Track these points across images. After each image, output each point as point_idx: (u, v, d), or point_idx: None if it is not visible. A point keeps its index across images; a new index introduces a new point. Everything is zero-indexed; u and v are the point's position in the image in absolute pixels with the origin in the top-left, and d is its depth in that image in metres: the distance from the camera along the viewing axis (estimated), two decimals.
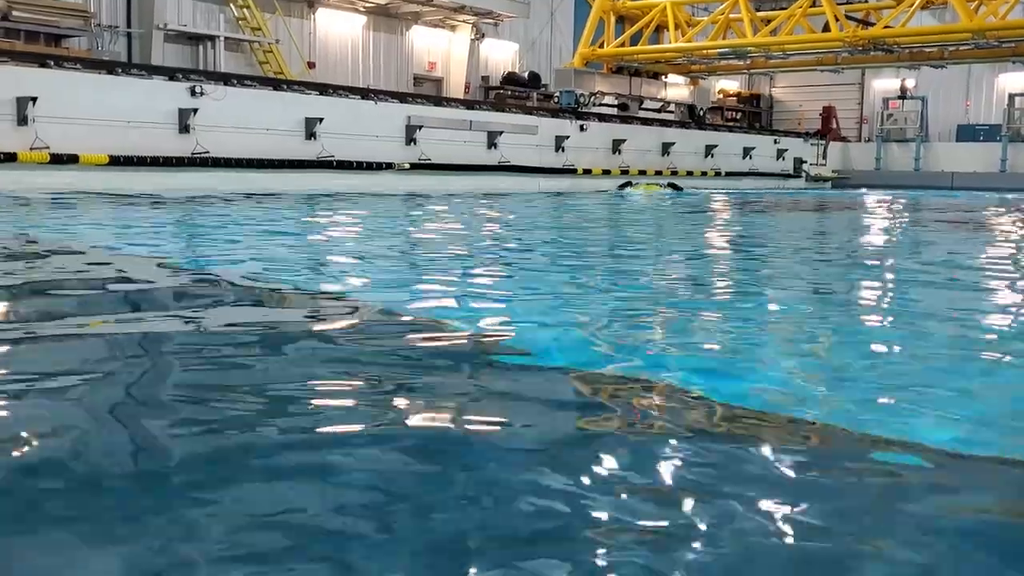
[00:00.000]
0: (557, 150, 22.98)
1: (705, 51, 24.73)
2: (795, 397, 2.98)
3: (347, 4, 24.45)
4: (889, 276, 7.08)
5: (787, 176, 31.20)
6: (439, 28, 27.24)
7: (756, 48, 23.85)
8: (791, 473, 2.21)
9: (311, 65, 23.66)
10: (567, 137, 23.10)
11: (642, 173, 24.99)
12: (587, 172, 23.47)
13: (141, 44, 20.14)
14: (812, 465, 2.31)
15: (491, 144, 21.32)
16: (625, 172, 24.45)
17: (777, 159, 30.93)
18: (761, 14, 24.83)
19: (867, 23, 23.12)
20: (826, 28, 22.86)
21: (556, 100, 25.57)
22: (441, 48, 27.66)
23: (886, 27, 21.92)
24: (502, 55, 29.45)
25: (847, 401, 2.94)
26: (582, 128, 23.72)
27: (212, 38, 21.27)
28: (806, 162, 32.08)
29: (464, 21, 27.03)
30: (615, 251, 8.76)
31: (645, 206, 17.31)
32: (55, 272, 5.75)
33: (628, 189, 22.23)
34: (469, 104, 22.67)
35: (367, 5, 24.79)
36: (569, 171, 23.04)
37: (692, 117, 28.80)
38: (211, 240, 8.24)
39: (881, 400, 2.97)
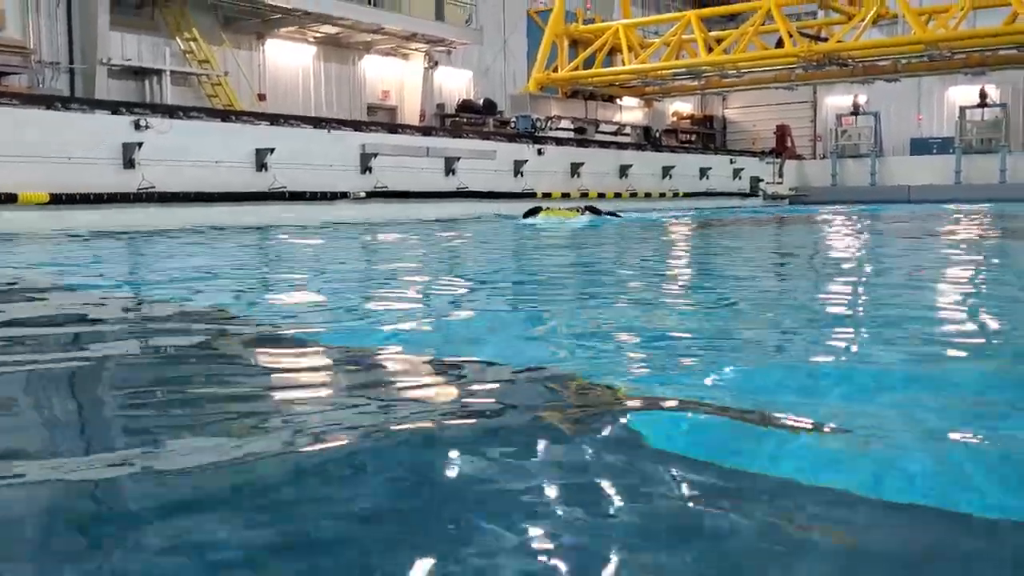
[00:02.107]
0: (516, 175, 22.73)
1: (660, 72, 24.70)
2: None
3: (297, 35, 24.07)
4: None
5: (745, 195, 31.24)
6: (391, 57, 26.95)
7: (711, 67, 23.86)
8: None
9: (261, 97, 23.20)
10: (525, 161, 22.87)
11: (601, 196, 24.77)
12: (547, 196, 23.19)
13: (84, 80, 19.55)
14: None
15: (449, 170, 21.00)
16: (584, 195, 24.22)
17: (734, 179, 30.96)
18: (713, 34, 24.88)
19: (819, 39, 23.24)
20: (779, 46, 22.93)
21: (513, 125, 25.39)
22: (395, 77, 27.36)
23: (839, 42, 22.02)
24: (456, 83, 29.20)
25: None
26: (540, 152, 23.51)
27: (158, 72, 20.73)
28: (763, 180, 32.17)
29: (416, 49, 26.76)
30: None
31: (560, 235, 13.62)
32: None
33: (532, 218, 17.39)
34: (425, 131, 22.36)
35: (317, 35, 24.43)
36: (529, 195, 22.76)
37: (648, 139, 28.76)
38: (158, 274, 7.75)
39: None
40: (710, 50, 23.05)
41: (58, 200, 13.62)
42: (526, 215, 17.68)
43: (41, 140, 13.75)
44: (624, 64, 24.45)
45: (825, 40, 22.86)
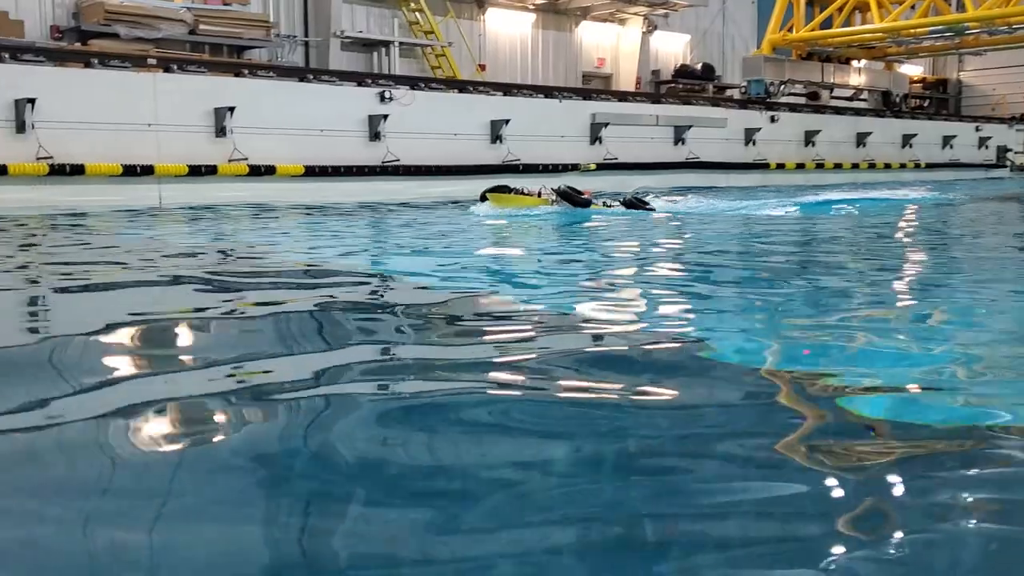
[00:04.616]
0: (747, 143, 21.34)
1: (914, 30, 22.44)
2: None
3: (517, 3, 23.57)
4: None
5: (990, 166, 28.43)
6: (608, 23, 26.03)
7: (978, 23, 21.37)
8: None
9: (482, 67, 22.86)
10: (758, 130, 21.43)
11: (837, 167, 23.02)
12: (780, 167, 21.73)
13: (318, 52, 19.77)
14: None
15: (678, 140, 19.95)
16: (820, 166, 22.56)
17: (979, 148, 28.19)
18: None
19: None
20: None
21: (743, 91, 23.90)
22: (609, 43, 26.43)
23: None
24: (672, 47, 27.95)
25: None
26: (773, 119, 21.98)
27: (386, 43, 20.72)
28: (1011, 150, 29.16)
29: (636, 13, 25.70)
30: None
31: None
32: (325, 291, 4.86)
33: (478, 206, 11.29)
34: (654, 98, 21.33)
35: (536, 2, 23.84)
36: (760, 166, 21.37)
37: (887, 104, 26.50)
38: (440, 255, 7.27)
39: None
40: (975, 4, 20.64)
41: (311, 172, 13.62)
42: (485, 193, 11.44)
43: (295, 113, 13.75)
44: (875, 21, 22.29)
45: None
